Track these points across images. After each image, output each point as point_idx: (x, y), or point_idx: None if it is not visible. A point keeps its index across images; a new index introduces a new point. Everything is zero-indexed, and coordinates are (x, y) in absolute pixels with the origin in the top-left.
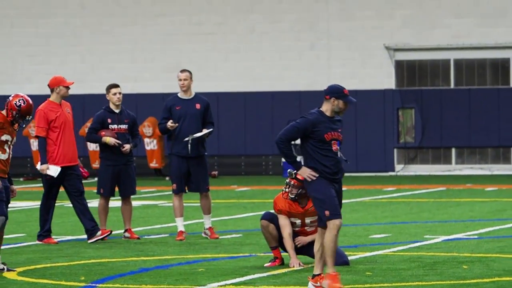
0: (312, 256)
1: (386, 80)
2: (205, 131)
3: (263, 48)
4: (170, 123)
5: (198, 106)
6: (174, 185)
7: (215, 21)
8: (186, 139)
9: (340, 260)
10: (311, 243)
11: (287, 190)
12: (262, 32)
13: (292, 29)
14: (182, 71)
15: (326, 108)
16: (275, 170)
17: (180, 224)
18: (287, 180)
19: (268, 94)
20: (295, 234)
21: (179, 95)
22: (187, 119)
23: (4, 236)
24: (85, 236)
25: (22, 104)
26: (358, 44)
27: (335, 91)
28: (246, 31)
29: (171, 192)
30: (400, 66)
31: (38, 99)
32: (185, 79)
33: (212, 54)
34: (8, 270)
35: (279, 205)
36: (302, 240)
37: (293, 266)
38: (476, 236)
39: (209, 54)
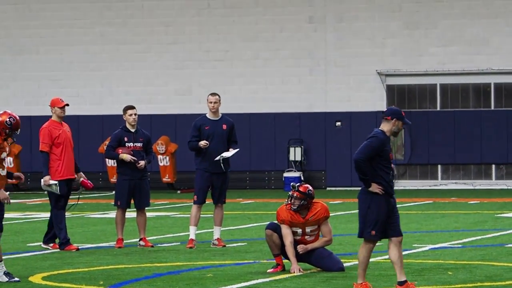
0: (311, 263)
1: (378, 102)
2: (232, 151)
3: (266, 73)
4: (203, 143)
5: (224, 126)
6: (195, 196)
7: (222, 48)
8: (217, 158)
9: (336, 267)
10: (311, 252)
11: (290, 202)
12: (265, 59)
13: (293, 56)
14: (213, 94)
15: (388, 128)
16: (277, 185)
17: (192, 232)
18: (290, 193)
19: (270, 115)
20: (296, 243)
21: (207, 115)
22: (215, 138)
23: (29, 244)
24: (104, 244)
25: (12, 121)
26: (353, 70)
27: (396, 113)
28: (251, 57)
29: (182, 204)
30: (391, 90)
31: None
32: (215, 102)
33: (220, 78)
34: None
35: (281, 215)
36: (304, 247)
37: (294, 272)
38: (460, 245)
39: (217, 79)
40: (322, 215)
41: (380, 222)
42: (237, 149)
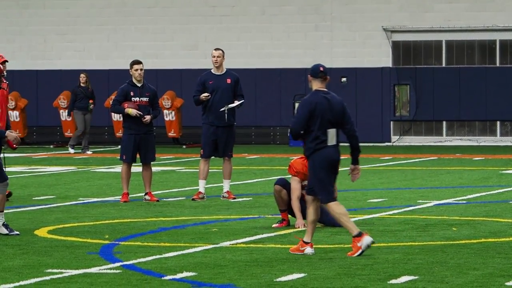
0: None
1: (383, 59)
2: (237, 102)
3: (272, 28)
4: (204, 95)
5: (229, 80)
6: (202, 150)
7: (228, 3)
8: (222, 109)
9: None
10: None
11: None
12: (271, 14)
13: (299, 12)
14: (216, 49)
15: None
16: (282, 140)
17: (201, 185)
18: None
19: (276, 70)
20: (303, 198)
21: (212, 71)
22: (219, 92)
23: (35, 198)
24: (110, 198)
25: None
26: (359, 26)
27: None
28: (256, 13)
29: (187, 159)
30: (396, 46)
31: (68, 73)
32: (218, 56)
33: (226, 33)
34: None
35: (296, 167)
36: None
37: (298, 227)
38: (464, 201)
39: (223, 34)
40: None
41: None
42: (242, 100)
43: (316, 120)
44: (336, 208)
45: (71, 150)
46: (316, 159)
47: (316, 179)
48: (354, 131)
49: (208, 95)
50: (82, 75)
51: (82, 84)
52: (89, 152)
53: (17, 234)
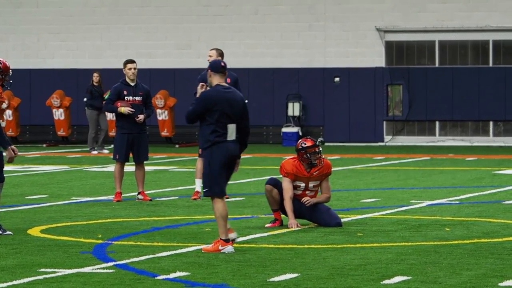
0: (309, 219)
1: (376, 58)
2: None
3: (265, 28)
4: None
5: (228, 80)
6: (201, 150)
7: (222, 3)
8: None
9: (334, 222)
10: (309, 207)
11: (307, 157)
12: (265, 14)
13: (292, 11)
14: (213, 49)
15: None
16: (275, 140)
17: (198, 185)
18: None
19: (269, 70)
20: (296, 198)
21: None
22: None
23: (28, 197)
24: (103, 197)
25: None
26: (352, 26)
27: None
28: (250, 12)
29: (180, 158)
30: (389, 46)
31: (60, 72)
32: (216, 56)
33: (219, 33)
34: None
35: (287, 168)
36: (309, 200)
37: (291, 227)
38: (457, 202)
39: (216, 33)
40: (326, 171)
41: None
42: (246, 101)
43: (214, 114)
44: (219, 206)
45: (94, 152)
46: (214, 152)
47: (209, 171)
48: (248, 128)
49: (204, 84)
50: (95, 74)
51: (95, 83)
52: (105, 151)
53: (10, 234)
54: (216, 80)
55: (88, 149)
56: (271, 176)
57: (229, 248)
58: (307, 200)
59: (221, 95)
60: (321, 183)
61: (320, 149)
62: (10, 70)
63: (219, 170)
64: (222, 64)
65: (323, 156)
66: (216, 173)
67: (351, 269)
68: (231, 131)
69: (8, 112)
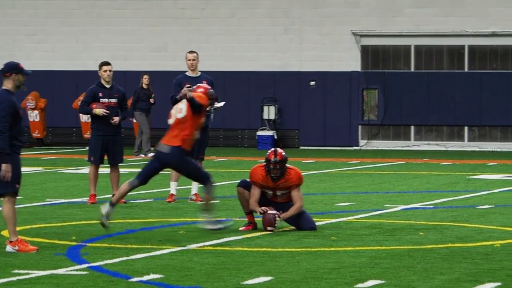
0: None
1: (352, 63)
2: (222, 103)
3: (241, 31)
4: (185, 88)
5: (204, 82)
6: None
7: (198, 6)
8: (208, 108)
9: (308, 226)
10: (284, 210)
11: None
12: (241, 17)
13: (268, 15)
14: (191, 52)
15: (11, 85)
16: (250, 143)
17: (173, 187)
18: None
19: (245, 73)
20: (267, 201)
21: (187, 73)
22: None
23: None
24: (77, 199)
25: None
26: (328, 30)
27: (13, 67)
28: (226, 15)
29: None
30: (365, 51)
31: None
32: (193, 59)
33: (195, 36)
34: None
35: (254, 177)
36: (283, 216)
37: (264, 211)
38: (431, 206)
39: (192, 37)
40: (293, 183)
41: None
42: (224, 102)
43: (16, 119)
44: (8, 205)
45: (150, 154)
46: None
47: None
48: None
49: (190, 86)
50: (145, 76)
51: (144, 86)
52: (150, 155)
53: None
54: (8, 84)
55: (143, 152)
56: (243, 179)
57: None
58: (282, 219)
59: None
60: (292, 192)
61: (278, 166)
62: None
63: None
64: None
65: (290, 167)
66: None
67: (325, 273)
68: None
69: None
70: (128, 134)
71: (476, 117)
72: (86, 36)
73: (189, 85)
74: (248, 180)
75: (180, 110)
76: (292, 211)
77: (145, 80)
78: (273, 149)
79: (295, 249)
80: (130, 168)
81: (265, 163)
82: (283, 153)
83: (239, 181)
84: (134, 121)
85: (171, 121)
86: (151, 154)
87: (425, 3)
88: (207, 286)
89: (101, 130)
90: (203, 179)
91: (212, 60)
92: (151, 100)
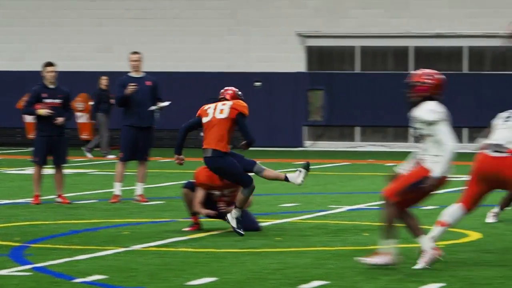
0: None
1: (297, 64)
2: (166, 103)
3: (186, 32)
4: (131, 87)
5: (148, 83)
6: (122, 153)
7: (143, 6)
8: (153, 108)
9: (253, 226)
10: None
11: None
12: (186, 18)
13: (214, 16)
14: (134, 53)
15: None
16: (195, 143)
17: (117, 189)
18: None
19: (190, 74)
20: (215, 202)
21: (130, 74)
22: (140, 94)
23: None
24: (21, 200)
25: None
26: (273, 31)
27: None
28: (171, 16)
29: (100, 162)
30: (310, 52)
31: None
32: (136, 60)
33: (140, 36)
34: None
35: (200, 179)
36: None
37: (210, 215)
38: (376, 207)
39: (137, 37)
40: None
41: None
42: (169, 102)
43: None
44: None
45: (109, 156)
46: None
47: None
48: None
49: (136, 85)
50: (103, 77)
51: (103, 87)
52: (109, 156)
53: None
54: None
55: (102, 154)
56: (188, 180)
57: None
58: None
59: None
60: (238, 190)
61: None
62: None
63: None
64: None
65: None
66: None
67: (269, 273)
68: None
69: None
70: (73, 134)
71: None
72: (30, 36)
73: (133, 84)
74: (192, 181)
75: (221, 111)
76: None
77: (104, 81)
78: None
79: (239, 250)
80: (75, 168)
81: None
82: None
83: (184, 182)
84: (93, 122)
85: (206, 119)
86: (110, 156)
87: (370, 4)
88: (151, 287)
89: (45, 131)
90: (245, 183)
91: (157, 61)
92: (112, 101)
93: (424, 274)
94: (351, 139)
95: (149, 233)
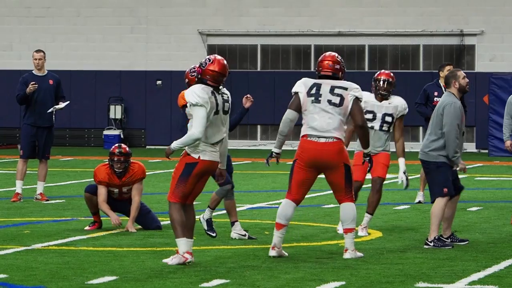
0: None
1: (199, 62)
2: (64, 103)
3: (87, 30)
4: (31, 86)
5: (51, 82)
6: (22, 151)
7: (43, 5)
8: (50, 110)
9: (154, 225)
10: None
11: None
12: (87, 16)
13: (114, 14)
14: (37, 51)
15: None
16: (96, 142)
17: (19, 186)
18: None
19: (91, 72)
20: (114, 201)
21: (34, 72)
22: (42, 93)
23: None
24: None
25: None
26: (174, 29)
27: None
28: (72, 14)
29: (1, 160)
30: (212, 50)
31: None
32: (39, 59)
33: (41, 35)
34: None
35: (99, 176)
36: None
37: (115, 223)
38: (277, 205)
39: (38, 35)
40: (139, 176)
41: None
42: (68, 101)
43: None
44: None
45: None
46: None
47: None
48: None
49: (35, 84)
50: None
51: None
52: None
53: None
54: None
55: None
56: (89, 184)
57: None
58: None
59: None
60: (134, 185)
61: (122, 158)
62: None
63: None
64: None
65: (133, 161)
66: None
67: (170, 272)
68: None
69: None
70: None
71: None
72: None
73: (34, 83)
74: (94, 184)
75: None
76: (134, 211)
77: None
78: (117, 144)
79: (140, 248)
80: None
81: (109, 158)
82: (127, 148)
83: (84, 181)
84: None
85: None
86: None
87: (270, 3)
88: (51, 286)
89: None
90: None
91: (58, 59)
92: None
93: (325, 272)
94: (253, 137)
95: (50, 232)
